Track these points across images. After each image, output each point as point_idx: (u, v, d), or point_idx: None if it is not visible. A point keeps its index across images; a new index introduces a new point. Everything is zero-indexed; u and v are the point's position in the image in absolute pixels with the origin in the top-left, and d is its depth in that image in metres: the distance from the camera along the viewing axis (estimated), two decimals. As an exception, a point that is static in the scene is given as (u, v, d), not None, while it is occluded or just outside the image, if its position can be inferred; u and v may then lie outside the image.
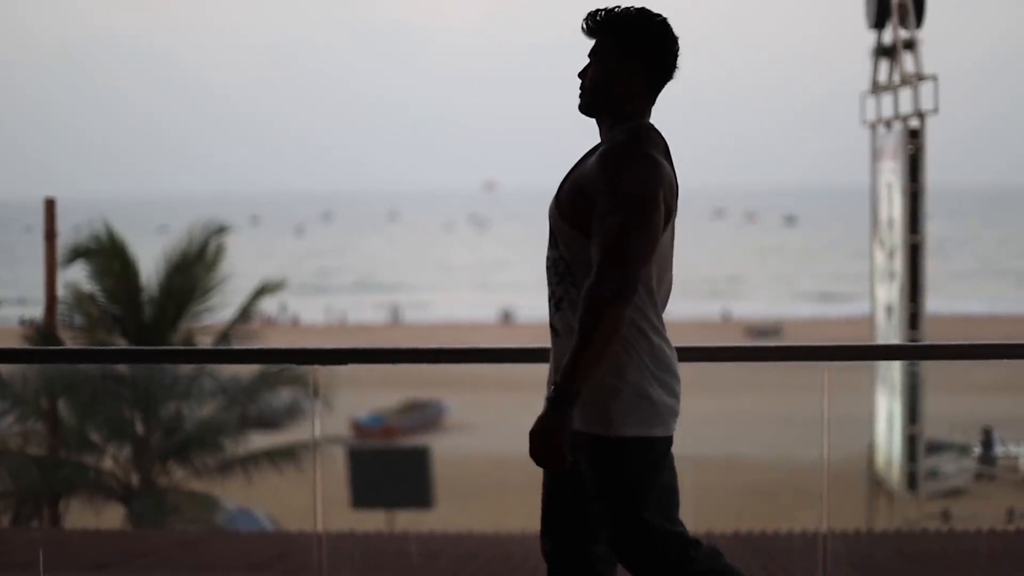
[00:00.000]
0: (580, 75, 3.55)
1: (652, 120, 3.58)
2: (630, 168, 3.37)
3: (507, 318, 62.52)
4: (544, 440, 3.35)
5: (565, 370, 3.33)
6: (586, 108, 3.54)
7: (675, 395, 3.53)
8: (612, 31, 3.49)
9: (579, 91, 3.54)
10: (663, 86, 3.54)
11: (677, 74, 3.56)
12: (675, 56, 3.53)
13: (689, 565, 3.52)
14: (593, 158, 3.47)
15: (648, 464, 3.47)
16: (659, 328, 3.48)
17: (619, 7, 3.51)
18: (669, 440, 3.52)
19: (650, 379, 3.45)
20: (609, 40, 3.50)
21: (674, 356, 3.54)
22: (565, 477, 3.60)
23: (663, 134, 3.54)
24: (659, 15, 3.51)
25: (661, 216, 3.39)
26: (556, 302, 3.51)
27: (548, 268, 3.54)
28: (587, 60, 3.56)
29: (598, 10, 3.51)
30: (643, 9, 3.51)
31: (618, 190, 3.35)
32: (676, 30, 3.56)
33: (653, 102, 3.55)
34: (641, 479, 3.46)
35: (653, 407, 3.46)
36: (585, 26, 3.53)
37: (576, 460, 3.41)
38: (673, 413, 3.52)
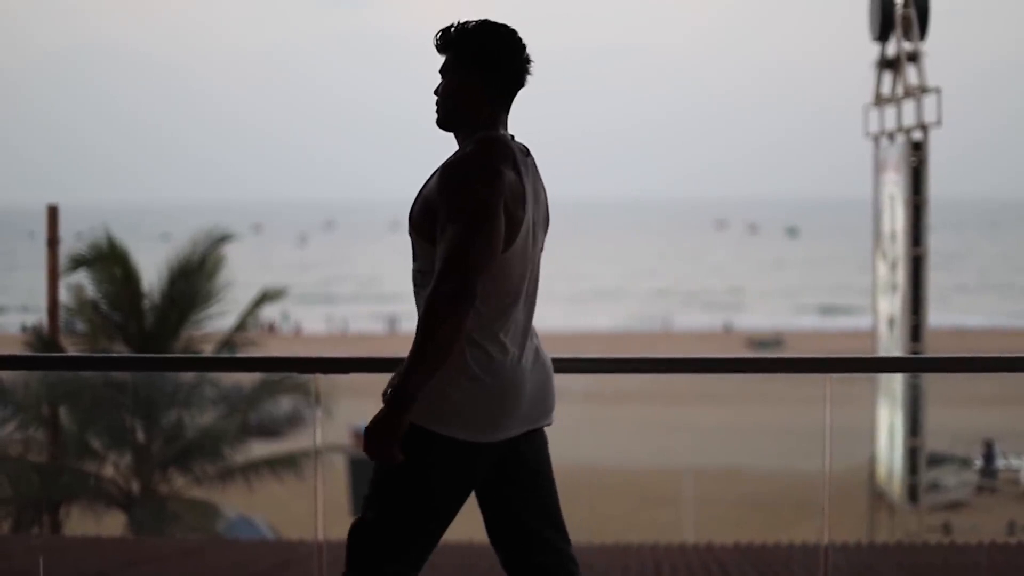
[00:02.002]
0: (435, 92, 3.65)
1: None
2: (466, 180, 3.44)
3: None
4: (376, 438, 3.42)
5: (403, 373, 3.41)
6: (440, 123, 3.64)
7: (480, 404, 3.54)
8: (452, 47, 3.59)
9: (435, 108, 3.65)
10: (510, 95, 3.62)
11: (529, 79, 3.63)
12: (517, 65, 3.60)
13: None
14: (437, 172, 3.57)
15: (417, 455, 3.49)
16: (483, 337, 3.53)
17: (460, 23, 3.61)
18: (452, 442, 3.53)
19: (456, 382, 3.50)
20: (451, 56, 3.60)
21: (503, 367, 3.55)
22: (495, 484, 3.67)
23: (517, 142, 3.62)
24: (501, 27, 3.59)
25: (500, 226, 3.43)
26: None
27: (413, 281, 3.63)
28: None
29: (445, 27, 3.62)
30: (484, 22, 3.60)
31: (455, 201, 3.42)
32: (519, 39, 3.61)
33: (503, 111, 3.62)
34: (412, 472, 3.51)
35: (444, 405, 3.51)
36: (435, 44, 3.63)
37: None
38: (470, 421, 3.53)
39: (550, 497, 3.74)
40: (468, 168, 3.47)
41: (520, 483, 3.69)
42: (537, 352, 3.67)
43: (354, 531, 3.60)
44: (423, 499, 3.54)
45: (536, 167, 3.65)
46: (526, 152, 3.63)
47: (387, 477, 3.53)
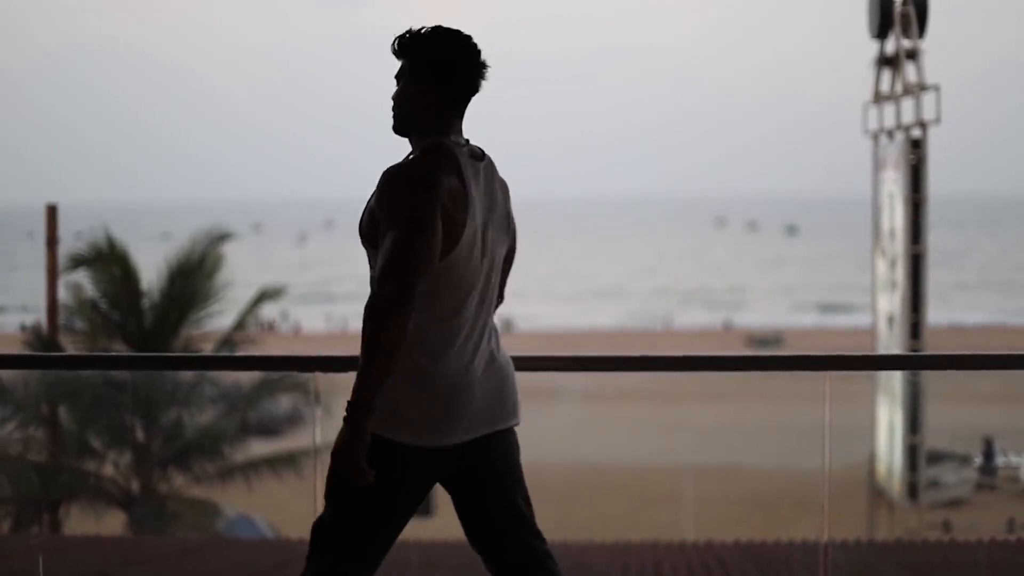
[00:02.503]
0: (392, 98, 3.70)
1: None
2: (403, 188, 3.49)
3: (507, 327, 62.52)
4: (343, 460, 3.45)
5: (354, 385, 3.44)
6: (395, 128, 3.69)
7: (427, 408, 3.57)
8: (406, 52, 3.64)
9: (392, 113, 3.70)
10: (463, 102, 3.65)
11: (484, 85, 3.66)
12: (470, 72, 3.63)
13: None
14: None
15: (371, 460, 3.52)
16: (428, 341, 3.56)
17: (416, 29, 3.65)
18: (399, 446, 3.57)
19: (402, 387, 3.54)
20: (405, 62, 3.65)
21: (450, 371, 3.58)
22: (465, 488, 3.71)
23: (472, 147, 3.65)
24: (456, 33, 3.63)
25: (436, 232, 3.47)
26: None
27: (370, 287, 3.66)
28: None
29: (402, 33, 3.66)
30: (438, 28, 3.64)
31: (392, 208, 3.48)
32: (474, 46, 3.64)
33: (456, 117, 3.66)
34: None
35: (391, 409, 3.54)
36: (392, 49, 3.68)
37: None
38: (408, 423, 3.57)
39: (520, 497, 3.76)
40: (405, 176, 3.51)
41: (487, 484, 3.71)
42: (492, 355, 3.68)
43: (315, 528, 3.66)
44: (373, 502, 3.58)
45: (493, 171, 3.68)
46: (480, 156, 3.66)
47: (339, 478, 3.55)
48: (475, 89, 3.65)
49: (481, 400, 3.62)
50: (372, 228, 3.57)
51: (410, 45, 3.62)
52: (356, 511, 3.60)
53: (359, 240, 3.64)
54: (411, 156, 3.59)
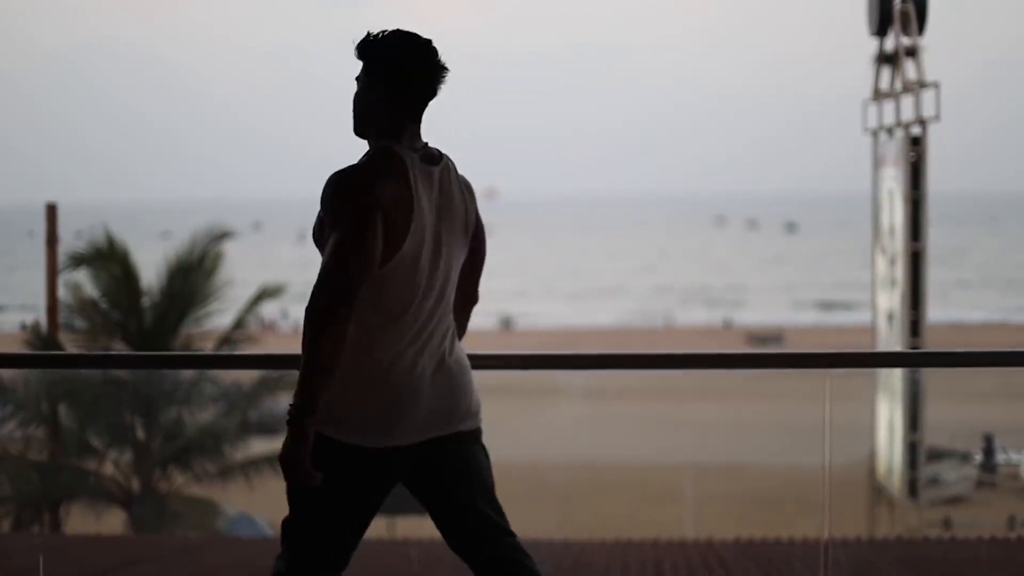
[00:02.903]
0: (352, 100, 3.74)
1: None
2: (343, 192, 3.54)
3: (507, 325, 62.54)
4: (289, 466, 3.51)
5: (296, 390, 3.49)
6: (354, 130, 3.74)
7: (358, 407, 3.61)
8: (363, 55, 3.67)
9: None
10: (415, 106, 3.67)
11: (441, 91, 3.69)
12: (424, 78, 3.65)
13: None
14: None
15: (321, 461, 3.58)
16: (373, 344, 3.61)
17: (375, 32, 3.67)
18: (345, 446, 3.61)
19: (348, 388, 3.59)
20: (362, 65, 3.69)
21: (394, 374, 3.61)
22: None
23: (430, 150, 3.68)
24: (412, 38, 3.66)
25: (372, 237, 3.52)
26: None
27: None
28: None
29: (364, 35, 3.69)
30: (396, 32, 3.66)
31: (333, 213, 3.55)
32: (430, 51, 3.65)
33: (410, 122, 3.68)
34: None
35: (337, 410, 3.59)
36: (354, 52, 3.72)
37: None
38: (350, 423, 3.61)
39: (483, 499, 3.76)
40: (346, 182, 3.56)
41: (447, 487, 3.73)
42: (443, 358, 3.70)
43: (282, 526, 3.73)
44: (327, 503, 3.63)
45: (449, 174, 3.70)
46: (435, 160, 3.68)
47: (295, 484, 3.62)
48: (430, 94, 3.68)
49: (430, 402, 3.65)
50: (322, 234, 3.64)
51: (367, 48, 3.66)
52: (312, 512, 3.65)
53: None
54: (356, 162, 3.63)
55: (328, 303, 3.46)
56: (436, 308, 3.68)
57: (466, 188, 3.76)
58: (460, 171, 3.76)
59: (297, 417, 3.48)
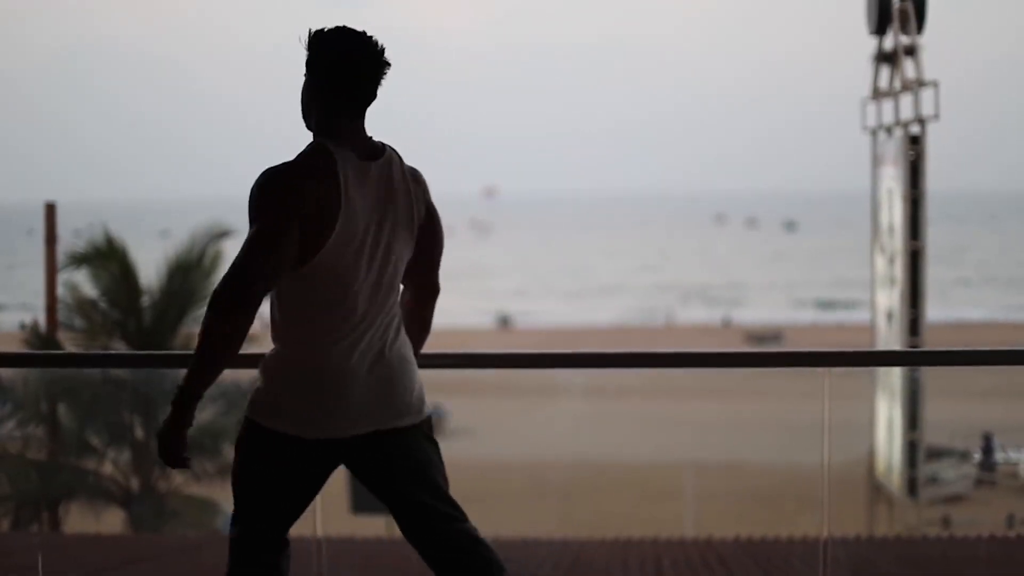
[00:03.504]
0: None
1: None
2: (268, 188, 3.59)
3: (506, 323, 62.54)
4: (162, 444, 3.62)
5: (185, 375, 3.59)
6: (304, 123, 3.79)
7: (289, 398, 3.68)
8: (308, 49, 3.71)
9: None
10: (350, 102, 3.68)
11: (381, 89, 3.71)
12: (355, 76, 3.66)
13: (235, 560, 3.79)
14: None
15: (246, 444, 3.72)
16: (303, 338, 3.67)
17: (320, 28, 3.70)
18: (271, 433, 3.69)
19: (280, 379, 3.68)
20: (305, 60, 3.73)
21: (325, 368, 3.66)
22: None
23: (374, 144, 3.70)
24: (348, 36, 3.67)
25: (290, 236, 3.56)
26: None
27: None
28: None
29: (308, 32, 3.73)
30: (336, 29, 3.68)
31: (256, 208, 3.59)
32: (368, 47, 3.65)
33: (345, 120, 3.69)
34: (240, 458, 3.76)
35: (268, 400, 3.70)
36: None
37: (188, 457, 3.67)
38: (281, 413, 3.68)
39: (429, 494, 3.78)
40: (272, 180, 3.60)
41: (391, 481, 3.77)
42: (381, 352, 3.72)
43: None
44: (259, 489, 3.73)
45: (392, 167, 3.71)
46: (376, 154, 3.70)
47: (234, 466, 3.75)
48: (365, 91, 3.68)
49: (366, 395, 3.68)
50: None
51: (310, 43, 3.68)
52: (248, 496, 3.76)
53: None
54: (294, 158, 3.66)
55: (229, 299, 3.52)
56: (374, 301, 3.69)
57: (414, 180, 3.77)
58: (409, 163, 3.77)
59: (180, 400, 3.58)
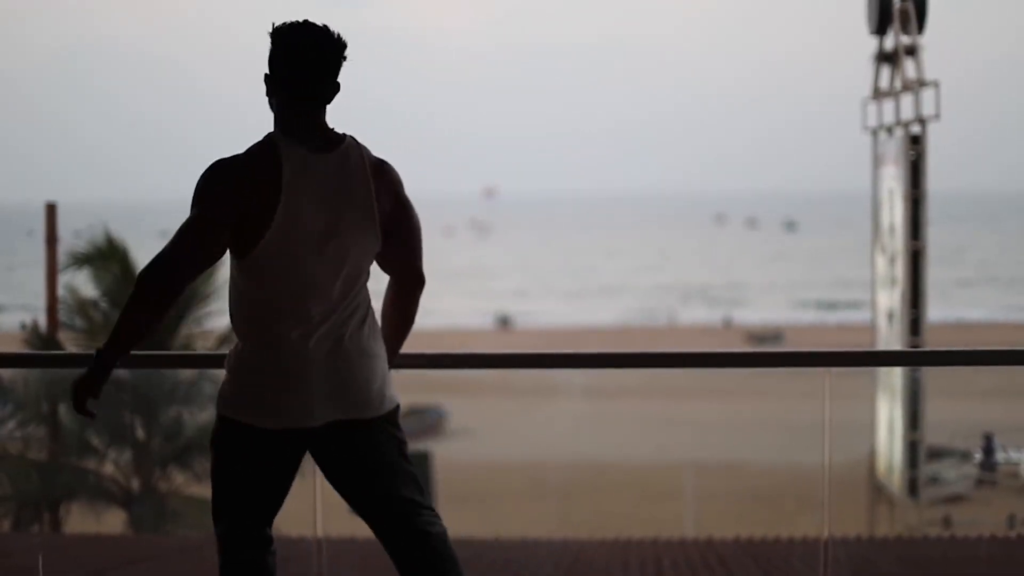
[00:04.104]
0: None
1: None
2: (209, 178, 3.67)
3: (505, 323, 62.54)
4: (73, 392, 3.77)
5: (106, 340, 3.77)
6: None
7: (248, 390, 3.76)
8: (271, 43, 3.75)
9: None
10: (302, 96, 3.69)
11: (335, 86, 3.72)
12: (294, 72, 3.67)
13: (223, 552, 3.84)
14: None
15: (217, 438, 3.80)
16: (257, 328, 3.73)
17: (278, 23, 3.73)
18: (236, 424, 3.76)
19: (237, 369, 3.78)
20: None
21: (278, 359, 3.70)
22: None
23: (332, 134, 3.71)
24: (298, 28, 3.67)
25: (218, 225, 3.63)
26: None
27: None
28: None
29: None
30: (292, 23, 3.69)
31: (196, 195, 3.69)
32: (320, 42, 3.66)
33: (292, 115, 3.71)
34: (214, 453, 3.83)
35: (228, 389, 3.79)
36: None
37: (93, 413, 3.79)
38: (242, 405, 3.76)
39: (382, 484, 3.80)
40: (214, 171, 3.68)
41: (348, 473, 3.81)
42: (340, 343, 3.71)
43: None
44: (229, 484, 3.80)
45: (348, 159, 3.70)
46: (331, 146, 3.69)
47: (211, 463, 3.84)
48: (317, 85, 3.68)
49: (319, 387, 3.70)
50: None
51: (271, 36, 3.71)
52: (222, 491, 3.81)
53: None
54: (244, 150, 3.71)
55: (152, 284, 3.64)
56: (327, 294, 3.69)
57: (377, 173, 3.74)
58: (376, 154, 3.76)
59: (98, 363, 3.75)
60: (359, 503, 3.82)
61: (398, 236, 3.79)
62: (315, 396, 3.70)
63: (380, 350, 3.81)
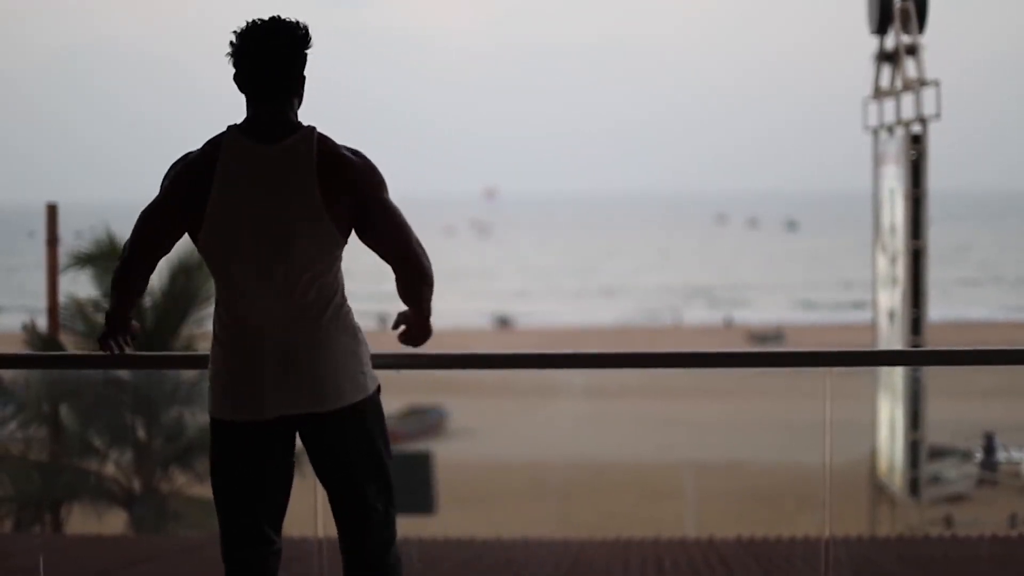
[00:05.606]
0: None
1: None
2: (169, 169, 3.85)
3: (506, 324, 62.53)
4: (108, 320, 4.33)
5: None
6: None
7: (214, 384, 3.84)
8: None
9: None
10: (252, 88, 3.79)
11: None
12: (244, 62, 3.77)
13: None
14: None
15: (210, 440, 3.86)
16: (219, 322, 3.81)
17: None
18: (213, 420, 3.84)
19: (210, 369, 3.87)
20: None
21: (234, 351, 3.76)
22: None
23: (292, 125, 3.75)
24: (251, 23, 3.77)
25: (166, 212, 3.78)
26: None
27: None
28: None
29: None
30: (252, 20, 3.79)
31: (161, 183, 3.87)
32: (255, 39, 3.75)
33: (251, 107, 3.81)
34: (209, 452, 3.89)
35: (209, 387, 3.89)
36: None
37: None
38: (213, 400, 3.85)
39: (341, 480, 3.85)
40: (174, 162, 3.84)
41: (315, 464, 3.88)
42: (291, 337, 3.70)
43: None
44: (212, 472, 3.87)
45: (299, 153, 3.68)
46: (276, 138, 3.70)
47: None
48: (261, 76, 3.73)
49: (276, 380, 3.70)
50: None
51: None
52: (215, 488, 3.87)
53: None
54: None
55: (120, 262, 3.95)
56: (269, 286, 3.67)
57: (332, 162, 3.70)
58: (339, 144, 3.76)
59: (107, 317, 4.28)
60: (328, 492, 3.91)
61: (372, 228, 3.75)
62: (265, 389, 3.71)
63: (347, 343, 3.77)
